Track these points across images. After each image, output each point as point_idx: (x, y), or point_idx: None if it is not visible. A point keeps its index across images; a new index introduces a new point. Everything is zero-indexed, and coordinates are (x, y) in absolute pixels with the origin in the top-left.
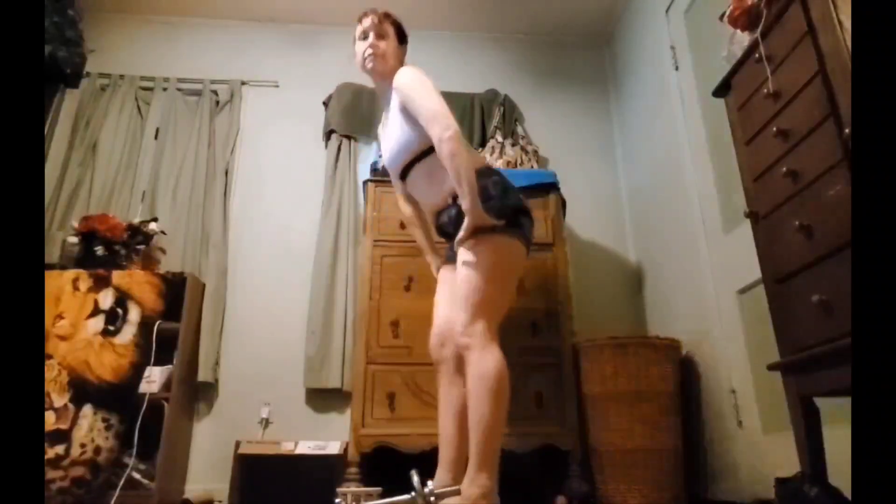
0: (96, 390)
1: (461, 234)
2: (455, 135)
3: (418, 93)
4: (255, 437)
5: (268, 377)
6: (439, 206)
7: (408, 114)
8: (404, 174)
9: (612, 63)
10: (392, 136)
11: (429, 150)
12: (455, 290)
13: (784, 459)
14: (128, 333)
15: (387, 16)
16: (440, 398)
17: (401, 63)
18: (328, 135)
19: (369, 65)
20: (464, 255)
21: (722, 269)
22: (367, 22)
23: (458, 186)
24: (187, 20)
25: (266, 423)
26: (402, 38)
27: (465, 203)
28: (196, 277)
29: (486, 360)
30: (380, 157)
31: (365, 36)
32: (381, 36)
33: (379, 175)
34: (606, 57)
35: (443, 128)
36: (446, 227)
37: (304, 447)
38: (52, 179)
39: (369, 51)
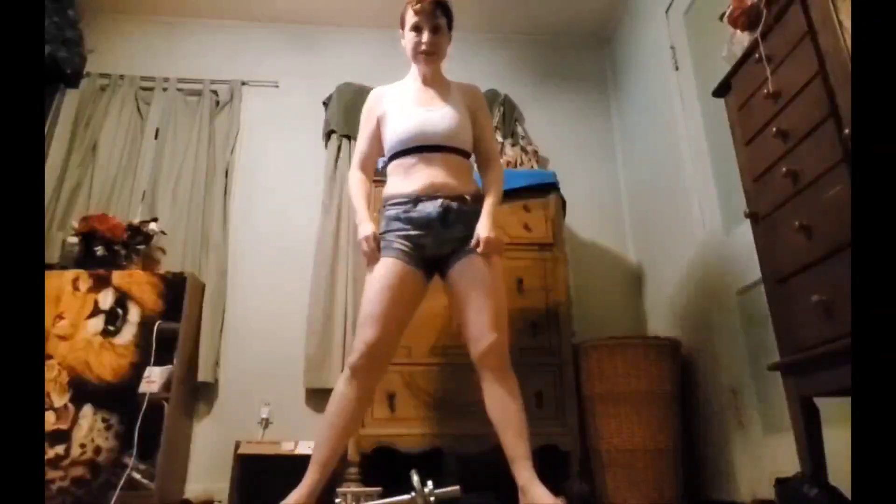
0: (96, 390)
1: (486, 250)
2: None
3: (489, 121)
4: (255, 437)
5: (268, 377)
6: (456, 192)
7: (468, 115)
8: (430, 149)
9: (612, 63)
10: (449, 116)
11: (467, 153)
12: (475, 300)
13: (784, 459)
14: (128, 333)
15: (441, 6)
16: (354, 406)
17: (446, 52)
18: (328, 135)
19: (424, 60)
20: (482, 270)
21: (722, 269)
22: (422, 15)
23: (495, 203)
24: (187, 20)
25: (266, 423)
26: (450, 24)
27: (492, 226)
28: (196, 277)
29: (515, 380)
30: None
31: (418, 28)
32: (436, 29)
33: (379, 175)
34: (606, 57)
35: (500, 163)
36: (448, 215)
37: (305, 447)
38: (52, 179)
39: (425, 48)
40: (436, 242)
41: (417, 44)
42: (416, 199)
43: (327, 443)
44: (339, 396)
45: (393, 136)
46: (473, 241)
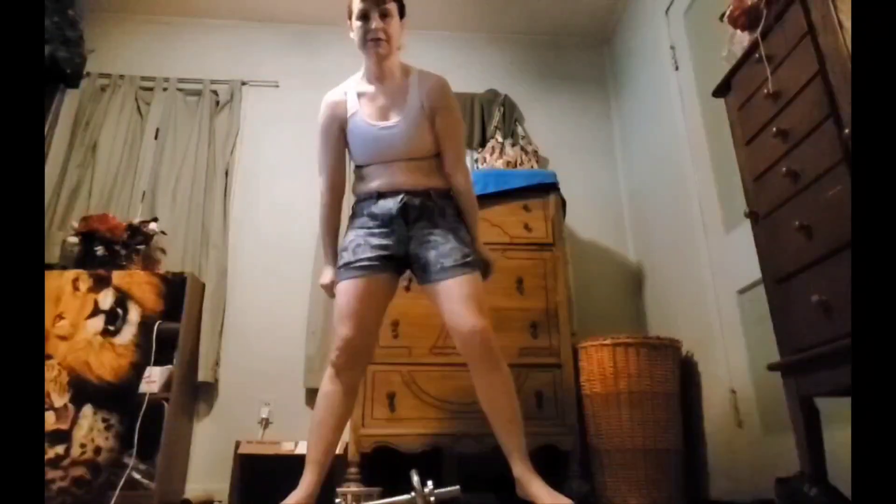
0: (96, 390)
1: (486, 274)
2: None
3: (458, 123)
4: (255, 437)
5: (268, 377)
6: (417, 188)
7: (427, 118)
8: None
9: (612, 63)
10: (405, 133)
11: (430, 156)
12: (457, 295)
13: (784, 459)
14: (128, 333)
15: None
16: (341, 401)
17: (398, 41)
18: None
19: (373, 50)
20: (464, 276)
21: (722, 269)
22: (368, 1)
23: (473, 227)
24: (187, 20)
25: (266, 423)
26: (402, 12)
27: (476, 243)
28: (196, 277)
29: (505, 371)
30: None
31: (365, 15)
32: (385, 15)
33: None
34: (606, 57)
35: (468, 171)
36: (409, 211)
37: (304, 447)
38: (52, 179)
39: (374, 34)
40: (399, 241)
41: (366, 32)
42: (377, 195)
43: (321, 441)
44: (326, 394)
45: (354, 154)
46: (455, 262)
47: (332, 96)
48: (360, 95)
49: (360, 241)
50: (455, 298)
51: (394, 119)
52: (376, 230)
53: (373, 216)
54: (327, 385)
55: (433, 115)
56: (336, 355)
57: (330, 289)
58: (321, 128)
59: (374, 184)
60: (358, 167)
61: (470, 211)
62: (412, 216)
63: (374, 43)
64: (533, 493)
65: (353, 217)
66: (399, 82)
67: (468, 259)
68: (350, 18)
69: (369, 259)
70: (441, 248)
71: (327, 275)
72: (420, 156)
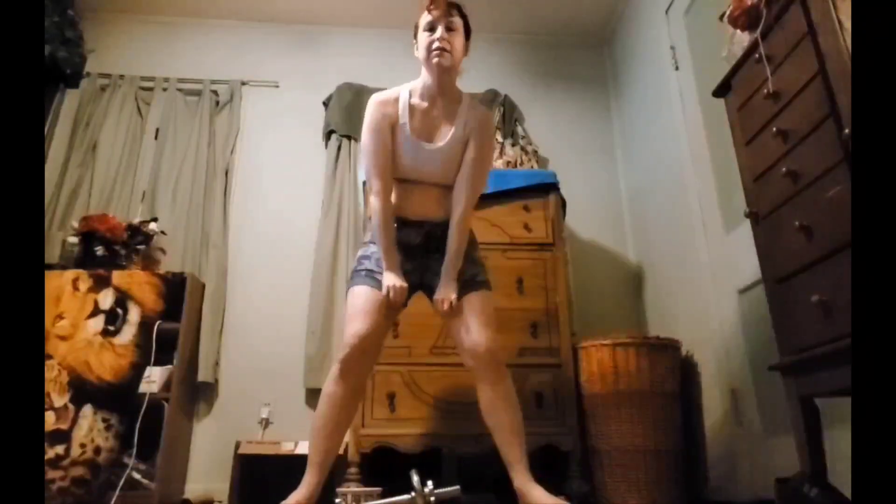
0: (96, 390)
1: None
2: None
3: (490, 161)
4: (255, 437)
5: (268, 377)
6: (440, 219)
7: (463, 144)
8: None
9: (612, 63)
10: (446, 157)
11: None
12: (467, 312)
13: (784, 459)
14: (128, 334)
15: (457, 7)
16: (346, 403)
17: (462, 56)
18: (328, 135)
19: (436, 60)
20: (477, 292)
21: (722, 269)
22: (436, 12)
23: (457, 257)
24: (187, 20)
25: (266, 423)
26: (467, 31)
27: (457, 270)
28: (196, 277)
29: (509, 384)
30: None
31: (432, 27)
32: (451, 29)
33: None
34: (606, 57)
35: (472, 209)
36: (430, 242)
37: (305, 447)
38: (52, 179)
39: (439, 44)
40: (416, 269)
41: (431, 42)
42: (402, 223)
43: (323, 443)
44: (331, 395)
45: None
46: (439, 304)
47: (383, 96)
48: (412, 108)
49: (381, 256)
50: (466, 315)
51: (439, 142)
52: (398, 249)
53: (396, 241)
54: (332, 386)
55: (468, 141)
56: (347, 353)
57: (399, 293)
58: (371, 127)
59: (402, 206)
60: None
61: (462, 244)
62: (432, 246)
63: (438, 53)
64: (534, 502)
65: (374, 234)
66: (452, 104)
67: (478, 278)
68: (416, 35)
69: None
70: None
71: (392, 279)
72: (451, 183)
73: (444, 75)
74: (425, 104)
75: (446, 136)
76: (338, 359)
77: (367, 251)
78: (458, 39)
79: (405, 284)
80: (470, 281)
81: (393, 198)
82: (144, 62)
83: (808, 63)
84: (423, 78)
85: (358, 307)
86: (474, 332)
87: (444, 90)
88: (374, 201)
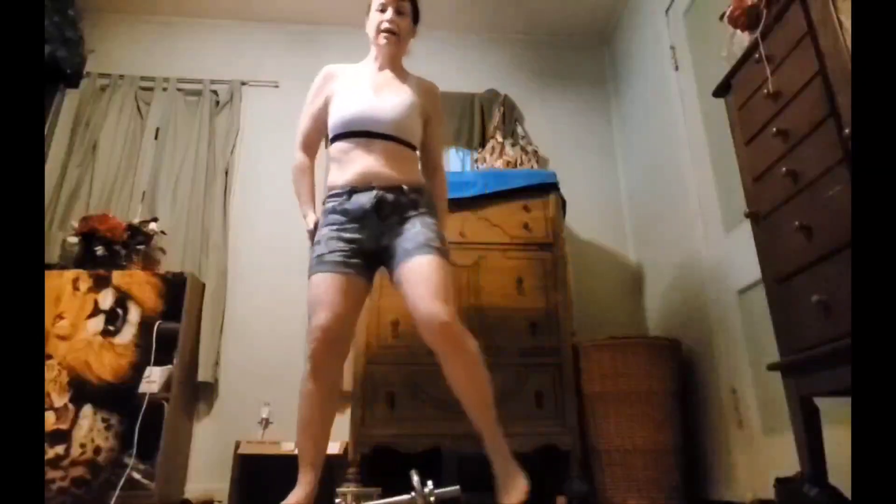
0: (96, 390)
1: (438, 248)
2: None
3: (443, 124)
4: (255, 437)
5: (268, 377)
6: (392, 183)
7: (420, 115)
8: (372, 136)
9: (612, 63)
10: (400, 106)
11: (410, 147)
12: (418, 278)
13: (784, 459)
14: (128, 333)
15: None
16: (320, 405)
17: (407, 42)
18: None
19: (383, 41)
20: (428, 266)
21: (722, 269)
22: None
23: (443, 217)
24: (187, 20)
25: (266, 423)
26: (416, 17)
27: (442, 226)
28: (196, 277)
29: (471, 350)
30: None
31: (383, 9)
32: (400, 13)
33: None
34: (606, 57)
35: (444, 169)
36: (383, 206)
37: None
38: (52, 179)
39: (387, 26)
40: (372, 236)
41: (380, 22)
42: (350, 191)
43: (311, 443)
44: (308, 393)
45: (337, 117)
46: (419, 245)
47: (331, 67)
48: (359, 69)
49: (332, 236)
50: (416, 282)
51: (391, 92)
52: (348, 225)
53: (345, 212)
54: (306, 384)
55: (426, 115)
56: (313, 347)
57: (314, 234)
58: (310, 93)
59: (350, 174)
60: (336, 141)
61: (443, 210)
62: (385, 212)
63: (385, 34)
64: (495, 469)
65: (325, 213)
66: (400, 73)
67: (433, 243)
68: (368, 11)
69: (342, 251)
70: (407, 233)
71: (311, 218)
72: (404, 138)
73: (390, 54)
74: (374, 68)
75: (398, 93)
76: (307, 354)
77: (317, 237)
78: (406, 23)
79: (316, 224)
80: (423, 244)
81: (339, 163)
82: (144, 62)
83: (808, 63)
84: (371, 54)
85: (316, 298)
86: (424, 299)
87: (390, 64)
88: (295, 155)
